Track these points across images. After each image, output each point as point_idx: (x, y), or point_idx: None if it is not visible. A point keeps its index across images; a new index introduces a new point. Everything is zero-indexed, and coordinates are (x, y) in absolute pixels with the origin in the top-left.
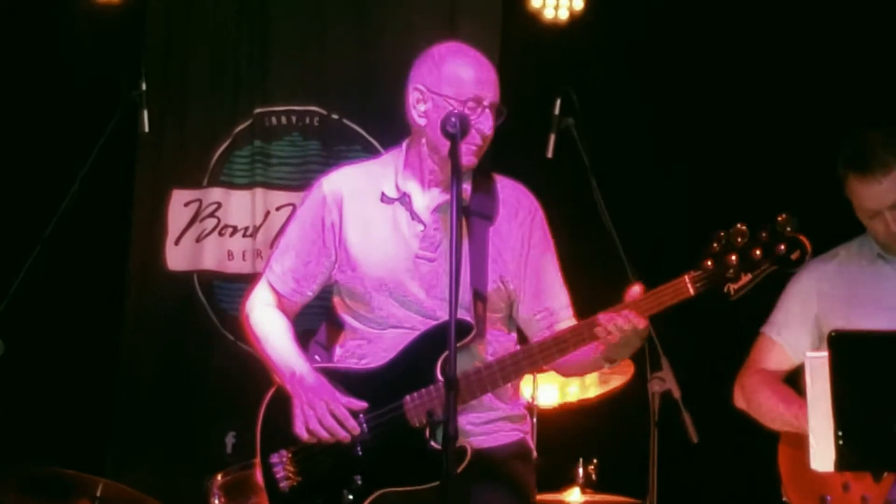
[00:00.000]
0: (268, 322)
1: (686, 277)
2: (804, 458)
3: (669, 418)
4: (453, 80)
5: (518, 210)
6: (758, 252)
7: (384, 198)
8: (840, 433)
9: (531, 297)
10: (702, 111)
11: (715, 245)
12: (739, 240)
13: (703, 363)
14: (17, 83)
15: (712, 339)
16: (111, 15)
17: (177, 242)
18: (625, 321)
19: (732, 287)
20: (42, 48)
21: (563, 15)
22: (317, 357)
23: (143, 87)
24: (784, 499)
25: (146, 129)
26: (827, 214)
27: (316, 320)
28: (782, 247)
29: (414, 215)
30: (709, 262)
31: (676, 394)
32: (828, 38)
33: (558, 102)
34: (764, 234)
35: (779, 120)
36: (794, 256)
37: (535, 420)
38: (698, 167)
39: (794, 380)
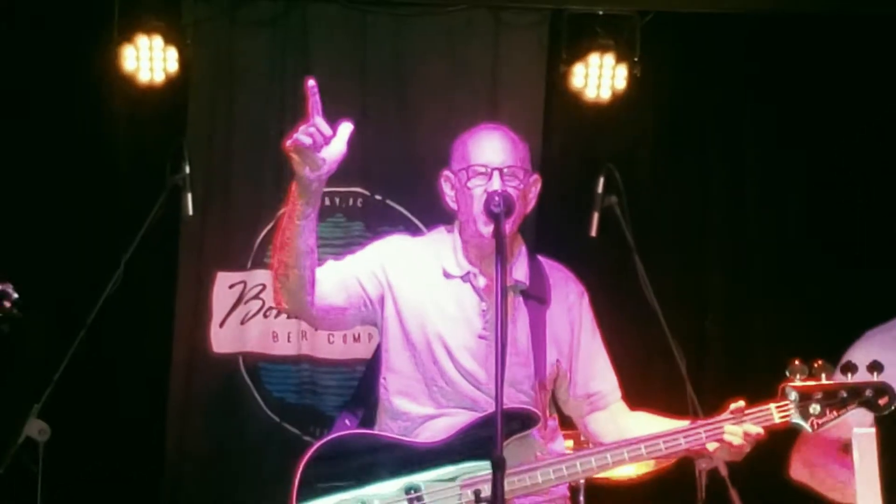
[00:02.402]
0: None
1: (772, 406)
2: None
3: (716, 496)
4: (461, 154)
5: (567, 293)
6: (843, 393)
7: (446, 274)
8: None
9: (582, 380)
10: (743, 188)
11: (797, 375)
12: (824, 375)
13: None
14: (61, 167)
15: None
16: (154, 98)
17: (221, 325)
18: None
19: (817, 422)
20: (85, 132)
21: (606, 94)
22: (347, 422)
23: (187, 170)
24: None
25: (190, 213)
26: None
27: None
28: (869, 391)
29: (478, 292)
30: (795, 394)
31: (723, 471)
32: None
33: (601, 181)
34: (850, 375)
35: (822, 199)
36: (882, 402)
37: (582, 499)
38: (742, 246)
39: None
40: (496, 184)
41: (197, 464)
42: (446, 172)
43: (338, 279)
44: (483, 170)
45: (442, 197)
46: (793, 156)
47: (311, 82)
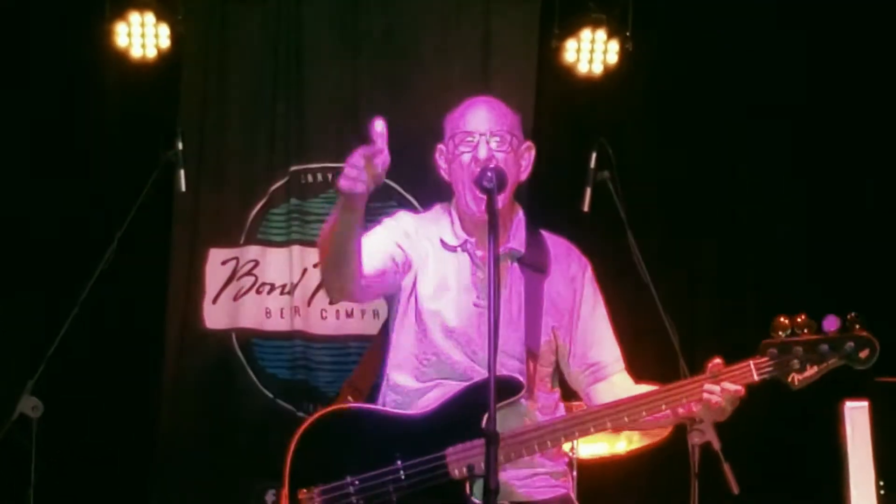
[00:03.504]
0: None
1: (751, 363)
2: None
3: (710, 469)
4: (451, 125)
5: (569, 265)
6: (825, 346)
7: (445, 245)
8: (881, 482)
9: (581, 352)
10: (735, 162)
11: (780, 332)
12: (806, 331)
13: (742, 412)
14: (54, 144)
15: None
16: (146, 75)
17: (214, 301)
18: (733, 387)
19: (797, 377)
20: (78, 109)
21: (598, 69)
22: (349, 398)
23: (180, 146)
24: None
25: (183, 189)
26: None
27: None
28: (851, 344)
29: (475, 261)
30: (774, 350)
31: (716, 445)
32: None
33: (594, 156)
34: (833, 329)
35: (816, 174)
36: (862, 355)
37: (575, 473)
38: (732, 219)
39: None
40: (483, 150)
41: (189, 439)
42: (440, 146)
43: (376, 244)
44: (471, 138)
45: (437, 171)
46: (787, 129)
47: (380, 124)
